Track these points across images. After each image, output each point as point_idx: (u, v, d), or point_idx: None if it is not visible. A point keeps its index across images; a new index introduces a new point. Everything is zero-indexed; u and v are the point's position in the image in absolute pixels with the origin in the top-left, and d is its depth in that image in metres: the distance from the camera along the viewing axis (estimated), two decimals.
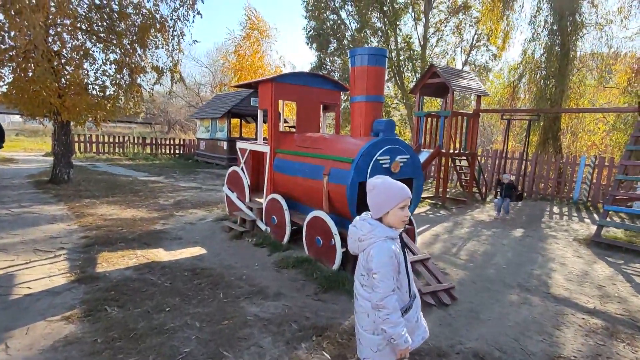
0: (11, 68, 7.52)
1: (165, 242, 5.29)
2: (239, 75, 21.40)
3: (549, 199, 10.27)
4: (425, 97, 11.45)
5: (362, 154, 4.23)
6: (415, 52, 22.38)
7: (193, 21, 9.70)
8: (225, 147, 15.53)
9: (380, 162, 4.34)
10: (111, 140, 17.81)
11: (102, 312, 3.09)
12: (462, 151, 9.46)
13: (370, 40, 22.36)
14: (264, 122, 6.22)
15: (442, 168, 9.51)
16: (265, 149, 5.77)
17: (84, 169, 12.38)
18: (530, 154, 11.11)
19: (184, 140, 20.18)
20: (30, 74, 7.46)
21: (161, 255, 4.72)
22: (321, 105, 6.09)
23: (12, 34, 6.44)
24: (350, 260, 4.48)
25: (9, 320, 2.96)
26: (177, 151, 19.23)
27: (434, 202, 9.22)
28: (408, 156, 4.60)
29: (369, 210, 2.05)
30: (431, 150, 9.03)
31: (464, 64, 22.47)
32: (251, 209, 6.08)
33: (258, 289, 3.86)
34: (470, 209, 8.80)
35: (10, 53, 7.30)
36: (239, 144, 6.63)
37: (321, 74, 6.68)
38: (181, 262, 4.53)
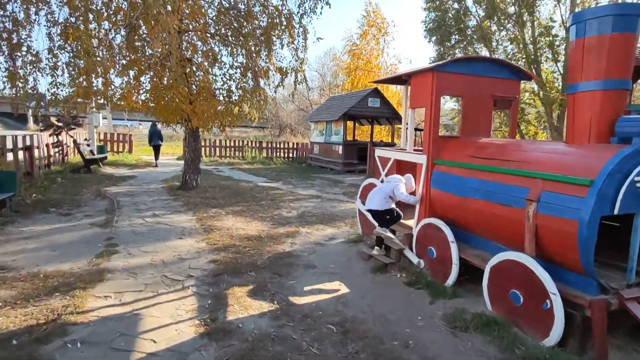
0: (149, 76, 7.63)
1: (298, 271, 4.40)
2: (352, 75, 20.54)
3: None
4: None
5: (610, 172, 2.66)
6: (558, 37, 18.76)
7: (321, 13, 8.90)
8: (340, 152, 14.73)
9: (639, 185, 2.70)
10: (232, 144, 18.55)
11: None
12: None
13: (499, 29, 19.58)
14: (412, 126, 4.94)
15: None
16: (420, 159, 4.49)
17: (210, 173, 12.73)
18: None
19: (297, 144, 20.10)
20: (165, 81, 7.47)
21: (298, 294, 3.79)
22: (492, 100, 4.58)
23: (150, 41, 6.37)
24: (576, 332, 2.92)
25: None
26: (290, 155, 19.21)
27: None
28: None
29: None
30: None
31: None
32: (394, 233, 4.86)
33: None
34: None
35: (149, 62, 7.40)
36: (379, 152, 5.47)
37: (495, 58, 5.14)
38: (322, 307, 3.53)
